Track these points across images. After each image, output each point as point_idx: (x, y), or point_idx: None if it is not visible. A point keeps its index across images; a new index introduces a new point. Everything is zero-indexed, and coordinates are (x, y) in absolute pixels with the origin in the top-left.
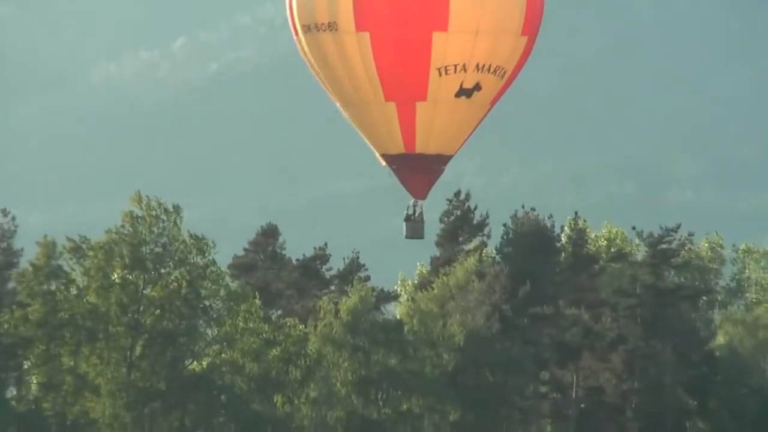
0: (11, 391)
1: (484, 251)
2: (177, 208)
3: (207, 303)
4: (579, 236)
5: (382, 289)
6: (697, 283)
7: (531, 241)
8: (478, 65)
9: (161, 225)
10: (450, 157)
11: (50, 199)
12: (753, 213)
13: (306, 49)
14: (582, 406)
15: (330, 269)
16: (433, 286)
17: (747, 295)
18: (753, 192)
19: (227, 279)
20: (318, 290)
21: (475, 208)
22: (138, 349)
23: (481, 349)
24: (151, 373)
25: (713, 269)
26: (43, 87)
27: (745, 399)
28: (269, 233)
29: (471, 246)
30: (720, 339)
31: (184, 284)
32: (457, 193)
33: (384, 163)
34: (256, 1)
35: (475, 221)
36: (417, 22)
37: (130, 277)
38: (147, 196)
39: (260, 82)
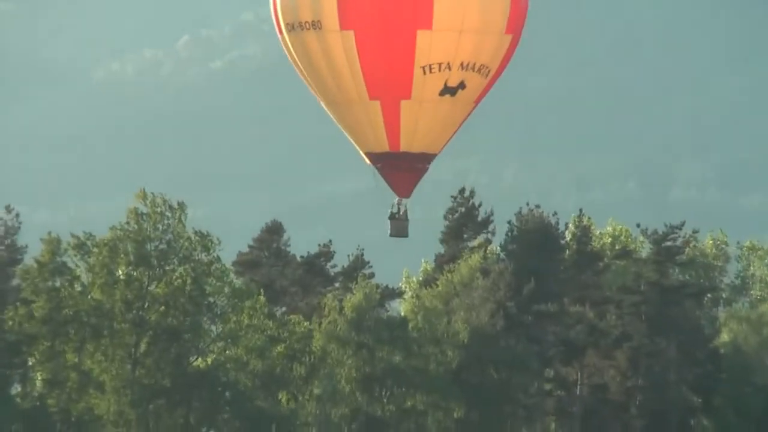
0: (16, 388)
1: (489, 248)
2: (182, 205)
3: (211, 300)
4: (583, 234)
5: (386, 286)
6: (701, 281)
7: (535, 239)
8: (462, 64)
9: (166, 222)
10: (434, 155)
11: (54, 196)
12: (757, 211)
13: (290, 47)
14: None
15: (334, 266)
16: (438, 283)
17: (751, 292)
18: (757, 190)
19: (232, 276)
20: (322, 287)
21: (480, 206)
22: (143, 346)
23: (486, 346)
24: (156, 369)
25: (718, 267)
26: (47, 85)
27: (749, 396)
28: (274, 230)
29: (475, 243)
30: (724, 336)
31: (189, 281)
32: (462, 191)
33: (368, 162)
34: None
35: (479, 218)
36: (401, 20)
37: (135, 273)
38: (152, 193)
39: (264, 80)
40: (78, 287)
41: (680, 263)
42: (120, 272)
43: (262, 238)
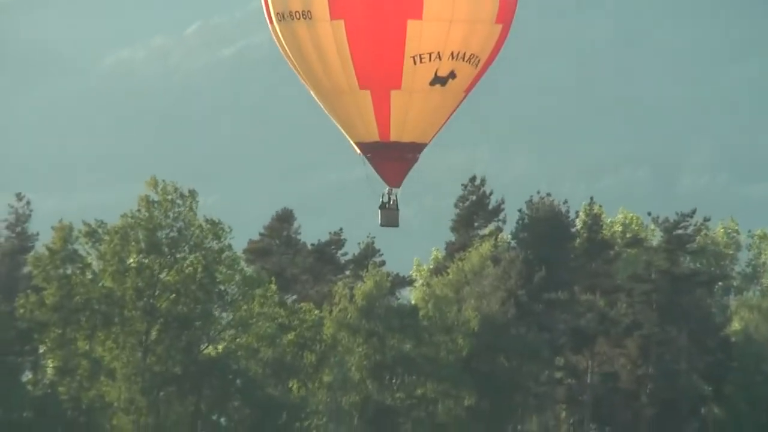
0: (27, 375)
1: (499, 237)
2: (192, 193)
3: (222, 288)
4: (594, 222)
5: (397, 274)
6: (712, 269)
7: (546, 227)
8: (452, 53)
9: (177, 209)
10: (424, 145)
11: (64, 183)
12: None
13: (280, 37)
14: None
15: (345, 254)
16: (448, 271)
17: (762, 280)
18: None
19: (242, 264)
20: (333, 275)
21: (491, 194)
22: (153, 334)
23: (496, 334)
24: (167, 357)
25: (729, 255)
26: (56, 72)
27: (760, 385)
28: (284, 218)
29: (486, 231)
30: (735, 325)
31: (200, 269)
32: (473, 179)
33: (359, 152)
34: None
35: (490, 207)
36: (392, 10)
37: (146, 261)
38: (163, 181)
39: (274, 68)
40: (89, 275)
41: (691, 251)
42: (131, 260)
43: (272, 226)
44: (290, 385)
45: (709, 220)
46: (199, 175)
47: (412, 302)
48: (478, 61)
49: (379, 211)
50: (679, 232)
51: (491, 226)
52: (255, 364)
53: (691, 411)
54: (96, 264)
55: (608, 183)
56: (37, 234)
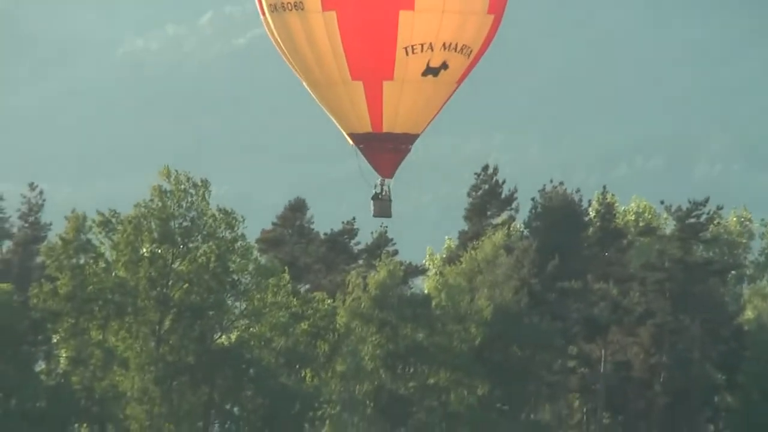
0: (40, 365)
1: (512, 226)
2: (205, 183)
3: (235, 277)
4: (607, 210)
5: (410, 264)
6: (725, 258)
7: (559, 216)
8: (444, 44)
9: (190, 199)
10: (417, 136)
11: (77, 173)
12: None
13: (273, 28)
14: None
15: (358, 243)
16: (461, 260)
17: None
18: None
19: (255, 253)
20: (346, 264)
21: (503, 183)
22: (166, 323)
23: (509, 323)
24: (180, 347)
25: (742, 243)
26: (70, 61)
27: None
28: (297, 207)
29: (499, 220)
30: (749, 313)
31: (213, 258)
32: (485, 168)
33: (351, 143)
34: None
35: (503, 196)
36: (384, 1)
37: (159, 251)
38: (176, 171)
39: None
40: (102, 264)
41: (704, 240)
42: (144, 249)
43: (285, 216)
44: (303, 375)
45: (722, 208)
46: (210, 165)
47: (425, 291)
48: (470, 51)
49: (372, 201)
50: (692, 220)
51: (504, 215)
52: (268, 354)
53: (704, 400)
54: (109, 254)
55: (621, 172)
56: (50, 224)
